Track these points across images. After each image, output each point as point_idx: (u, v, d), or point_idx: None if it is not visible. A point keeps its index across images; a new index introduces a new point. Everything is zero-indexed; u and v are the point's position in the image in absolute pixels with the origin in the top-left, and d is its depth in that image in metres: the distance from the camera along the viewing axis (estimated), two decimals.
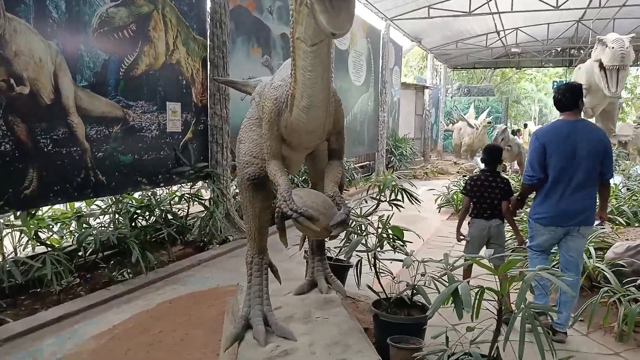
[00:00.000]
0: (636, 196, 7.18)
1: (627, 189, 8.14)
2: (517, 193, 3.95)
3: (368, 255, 3.43)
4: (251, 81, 3.60)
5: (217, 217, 6.04)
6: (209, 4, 6.29)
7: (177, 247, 5.89)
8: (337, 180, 2.71)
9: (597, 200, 3.68)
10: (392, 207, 4.35)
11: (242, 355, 2.71)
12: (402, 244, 3.43)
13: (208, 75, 6.38)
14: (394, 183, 4.34)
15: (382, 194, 4.54)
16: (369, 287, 3.45)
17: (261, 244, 3.10)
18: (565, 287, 2.01)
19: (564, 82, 22.62)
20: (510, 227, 4.26)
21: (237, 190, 5.23)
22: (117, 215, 5.21)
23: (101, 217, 5.33)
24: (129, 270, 4.74)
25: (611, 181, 8.32)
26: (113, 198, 5.24)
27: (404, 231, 3.55)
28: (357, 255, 3.57)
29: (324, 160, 3.05)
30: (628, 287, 3.82)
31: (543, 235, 3.54)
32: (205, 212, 6.10)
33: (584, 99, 11.52)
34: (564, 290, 2.99)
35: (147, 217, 5.51)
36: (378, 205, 4.52)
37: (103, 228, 5.07)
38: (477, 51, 20.78)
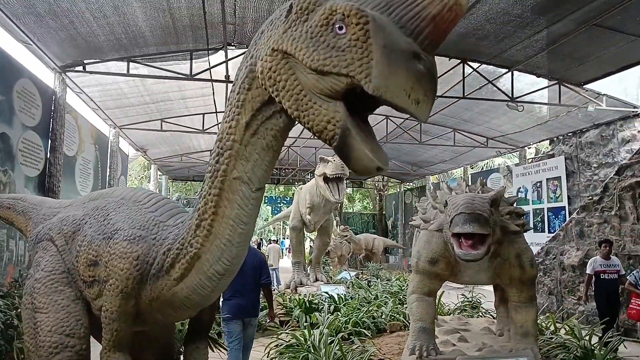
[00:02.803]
0: (370, 308, 8.09)
1: (351, 298, 9.21)
2: None
3: None
4: (3, 197, 2.58)
5: None
6: None
7: None
8: None
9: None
10: None
11: None
12: None
13: None
14: None
15: None
16: None
17: None
18: None
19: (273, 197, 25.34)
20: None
21: None
22: None
23: None
24: None
25: (337, 292, 9.67)
26: None
27: None
28: None
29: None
30: None
31: (234, 328, 4.79)
32: None
33: (308, 216, 13.16)
34: None
35: None
36: None
37: None
38: (200, 165, 21.49)
